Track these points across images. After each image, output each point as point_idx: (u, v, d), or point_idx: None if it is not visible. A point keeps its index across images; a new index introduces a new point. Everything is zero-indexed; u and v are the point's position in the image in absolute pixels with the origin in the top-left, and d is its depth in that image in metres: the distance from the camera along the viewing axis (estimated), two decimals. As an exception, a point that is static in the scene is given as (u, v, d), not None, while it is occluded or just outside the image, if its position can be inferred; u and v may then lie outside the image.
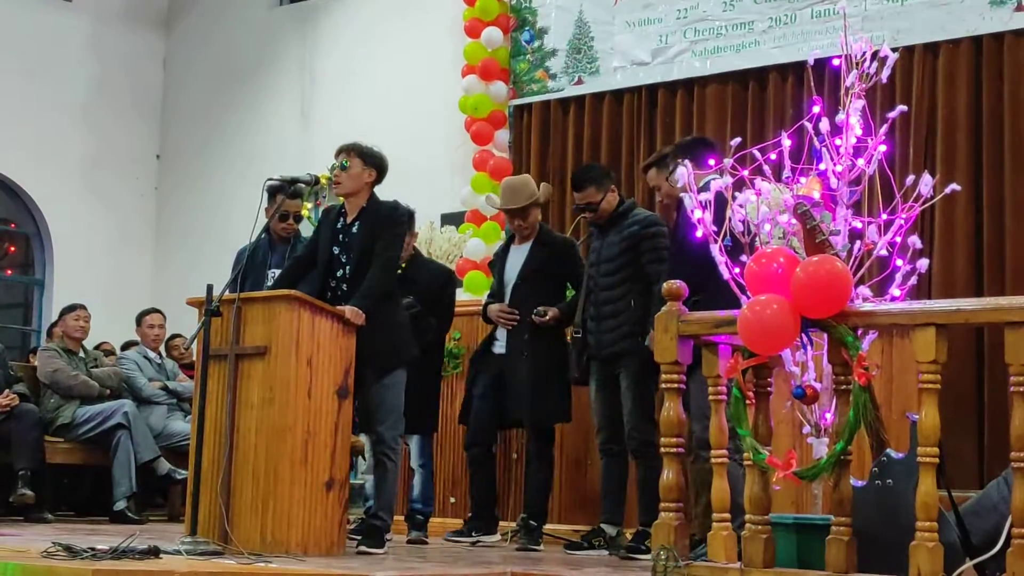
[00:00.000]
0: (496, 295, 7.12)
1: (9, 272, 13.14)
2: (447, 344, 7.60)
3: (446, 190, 10.55)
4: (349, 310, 5.78)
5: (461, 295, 8.83)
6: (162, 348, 9.64)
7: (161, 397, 9.09)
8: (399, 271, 6.78)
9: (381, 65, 11.57)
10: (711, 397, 4.38)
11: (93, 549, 4.68)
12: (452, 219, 10.45)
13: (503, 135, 10.58)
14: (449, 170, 10.74)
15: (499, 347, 6.98)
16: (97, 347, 10.02)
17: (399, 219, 6.18)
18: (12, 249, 13.06)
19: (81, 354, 8.97)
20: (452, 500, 8.00)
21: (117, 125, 12.91)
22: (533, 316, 6.85)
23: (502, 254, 7.23)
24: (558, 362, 6.88)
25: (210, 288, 5.63)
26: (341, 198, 6.25)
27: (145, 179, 13.21)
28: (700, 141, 6.34)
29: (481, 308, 7.23)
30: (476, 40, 10.59)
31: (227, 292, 5.76)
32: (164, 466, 8.52)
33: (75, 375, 8.69)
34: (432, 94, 10.96)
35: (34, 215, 12.56)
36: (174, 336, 10.04)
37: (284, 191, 6.53)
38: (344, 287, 6.06)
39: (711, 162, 5.08)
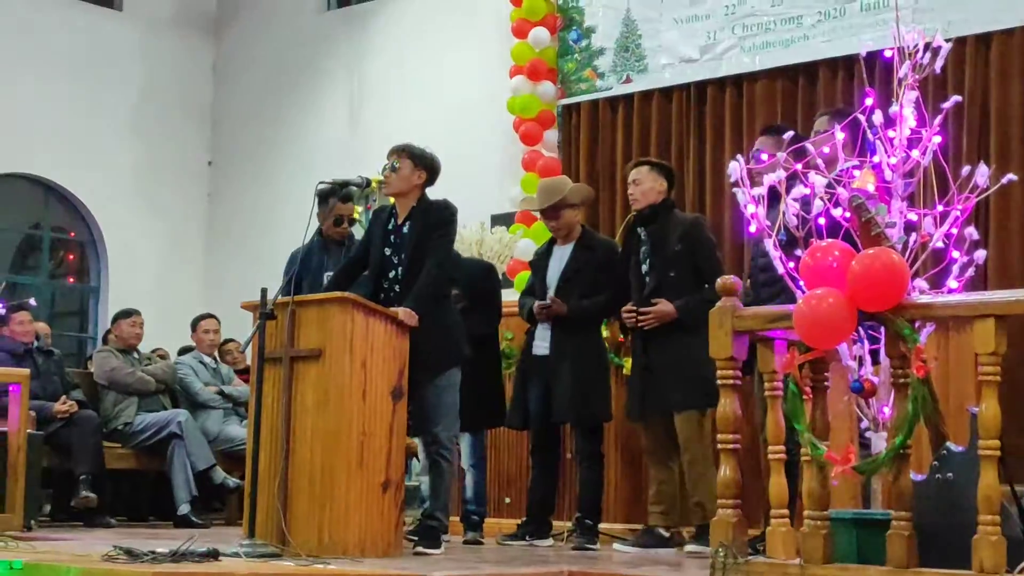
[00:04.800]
0: (537, 296, 7.12)
1: (71, 280, 13.27)
2: (501, 345, 7.62)
3: (496, 191, 10.57)
4: (402, 311, 5.80)
5: (512, 295, 8.84)
6: (216, 353, 9.71)
7: (217, 401, 9.17)
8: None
9: (429, 67, 11.61)
10: (767, 393, 4.37)
11: (153, 552, 4.71)
12: (502, 220, 10.46)
13: (552, 135, 10.58)
14: (498, 171, 10.75)
15: (540, 347, 6.99)
16: (153, 352, 10.11)
17: (449, 217, 6.19)
18: (71, 257, 13.20)
19: (135, 355, 9.07)
20: (507, 500, 8.01)
21: (168, 132, 13.03)
22: (536, 304, 6.92)
23: (544, 254, 7.24)
24: (599, 360, 6.96)
25: (264, 291, 5.67)
26: (391, 199, 6.28)
27: (197, 185, 13.32)
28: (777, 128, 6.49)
29: (519, 306, 7.25)
30: (523, 40, 10.60)
31: (281, 295, 5.80)
32: (219, 475, 8.60)
33: (131, 371, 8.81)
34: (480, 95, 10.99)
35: (88, 223, 12.71)
36: (228, 341, 10.11)
37: (336, 194, 6.56)
38: (397, 288, 6.09)
39: (764, 156, 5.06)
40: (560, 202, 7.00)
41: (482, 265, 7.68)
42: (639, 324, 6.69)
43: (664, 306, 6.62)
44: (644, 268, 6.76)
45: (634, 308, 6.72)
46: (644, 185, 6.83)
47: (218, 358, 9.67)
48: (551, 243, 7.25)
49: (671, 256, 6.67)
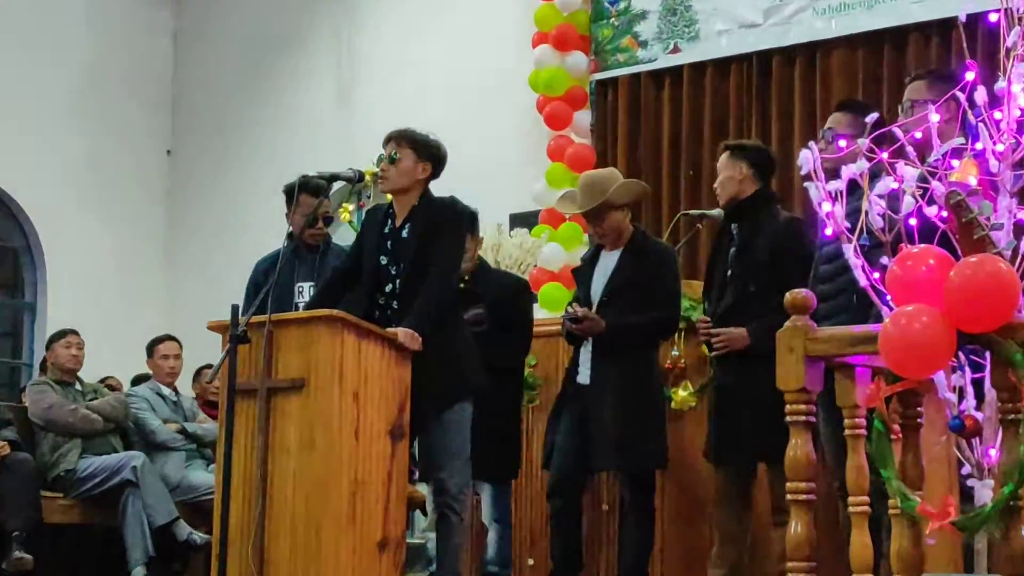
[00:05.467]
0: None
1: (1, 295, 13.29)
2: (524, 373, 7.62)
3: (515, 186, 10.56)
4: (402, 332, 5.81)
5: (537, 312, 8.84)
6: (179, 383, 9.72)
7: (179, 442, 9.18)
8: (461, 285, 6.81)
9: (434, 36, 11.63)
10: (847, 432, 4.35)
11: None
12: (523, 220, 10.45)
13: (584, 116, 10.59)
14: (519, 161, 10.75)
15: (583, 375, 6.96)
16: (101, 382, 10.11)
17: (458, 218, 6.22)
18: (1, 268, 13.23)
19: (77, 386, 9.08)
20: (531, 562, 8.01)
21: (119, 116, 13.08)
22: (564, 315, 6.89)
23: (589, 261, 7.22)
24: (649, 391, 6.89)
25: (236, 309, 5.68)
26: (388, 196, 6.28)
27: (154, 180, 13.37)
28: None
29: (561, 325, 7.22)
30: (549, 2, 10.62)
31: (256, 313, 5.79)
32: (183, 530, 8.59)
33: (73, 409, 8.81)
34: (496, 69, 11.01)
35: (23, 226, 12.72)
36: (202, 369, 10.12)
37: (309, 189, 6.59)
38: (395, 304, 6.12)
39: (842, 143, 5.05)
40: (604, 205, 6.96)
41: (513, 281, 7.66)
42: (711, 346, 6.71)
43: (735, 330, 6.60)
44: (728, 275, 6.78)
45: (708, 322, 6.73)
46: (721, 175, 6.87)
47: (179, 389, 9.68)
48: (598, 248, 7.25)
49: (756, 265, 6.65)
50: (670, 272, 7.01)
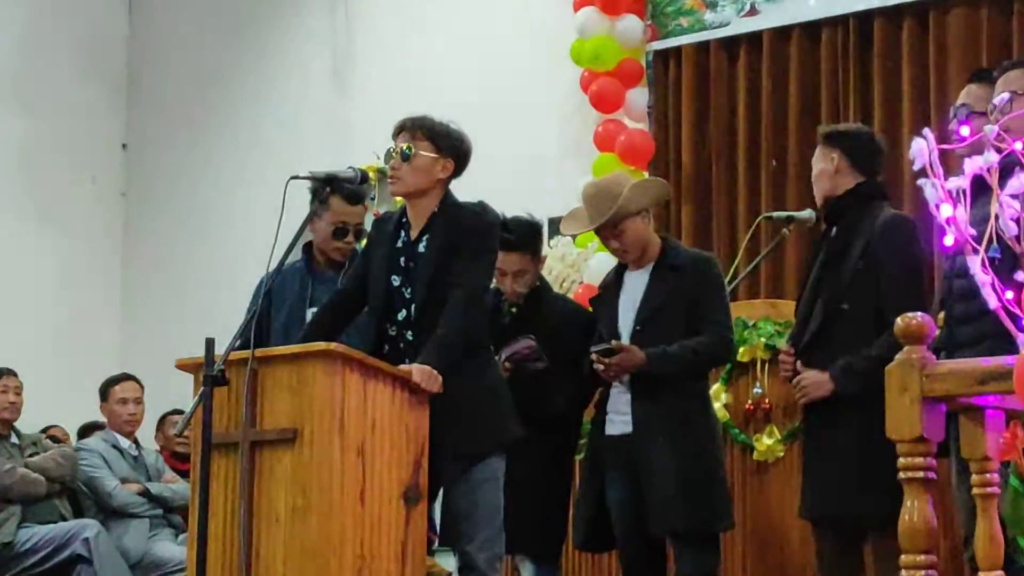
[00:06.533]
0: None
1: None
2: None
3: (555, 184, 10.56)
4: (418, 370, 5.81)
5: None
6: (140, 433, 9.74)
7: (141, 506, 9.20)
8: (511, 313, 6.82)
9: (451, 1, 11.64)
10: (976, 490, 4.33)
11: None
12: (567, 227, 10.47)
13: (639, 96, 10.63)
14: (559, 153, 10.80)
15: (618, 425, 6.94)
16: (44, 432, 10.14)
17: (488, 228, 6.21)
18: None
19: (14, 439, 9.11)
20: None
21: (65, 105, 13.10)
22: (593, 353, 6.84)
23: (611, 287, 7.20)
24: (708, 436, 6.91)
25: (210, 343, 5.67)
26: (399, 201, 6.28)
27: (106, 180, 13.40)
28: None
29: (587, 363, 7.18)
30: (594, -45, 10.66)
31: (235, 348, 5.79)
32: (147, 615, 8.65)
33: (9, 469, 8.83)
34: (531, 39, 11.06)
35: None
36: (168, 415, 10.14)
37: (339, 190, 6.56)
38: (409, 335, 6.14)
39: (964, 130, 5.02)
40: (618, 213, 6.94)
41: (580, 313, 7.63)
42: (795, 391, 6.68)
43: (815, 375, 6.53)
44: (815, 291, 6.73)
45: (791, 353, 6.70)
46: (815, 168, 6.84)
47: (140, 441, 9.70)
48: (620, 269, 7.22)
49: (847, 277, 6.61)
50: (714, 285, 7.00)
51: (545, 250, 10.06)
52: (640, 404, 6.85)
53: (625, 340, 6.88)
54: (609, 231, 7.00)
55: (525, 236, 7.27)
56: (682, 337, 6.83)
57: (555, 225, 10.46)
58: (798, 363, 6.63)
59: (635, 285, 7.05)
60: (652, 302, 6.94)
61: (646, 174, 9.91)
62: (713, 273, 7.04)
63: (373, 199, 10.99)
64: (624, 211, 6.92)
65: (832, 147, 6.80)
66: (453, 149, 6.19)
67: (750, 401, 7.53)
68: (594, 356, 6.85)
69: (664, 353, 6.78)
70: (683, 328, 6.86)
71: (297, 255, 6.95)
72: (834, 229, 6.79)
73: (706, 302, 6.90)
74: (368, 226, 6.93)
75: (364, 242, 6.79)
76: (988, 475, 4.31)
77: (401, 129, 6.21)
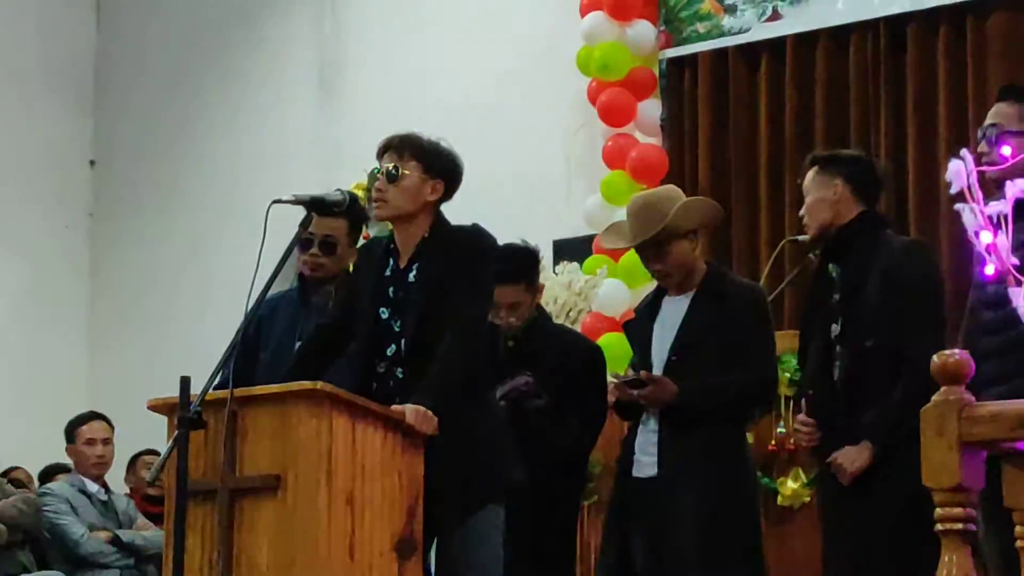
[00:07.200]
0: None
1: None
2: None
3: (560, 204, 10.62)
4: (411, 410, 5.80)
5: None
6: (109, 476, 9.74)
7: (111, 556, 9.20)
8: (510, 345, 6.81)
9: (447, 5, 11.65)
10: (1020, 542, 4.32)
11: None
12: (571, 250, 10.50)
13: (652, 108, 10.65)
14: (565, 170, 10.83)
15: (644, 467, 6.90)
16: (4, 476, 10.14)
17: (484, 254, 6.20)
18: None
19: (-31, 483, 9.12)
20: None
21: (27, 116, 13.13)
22: (618, 379, 6.81)
23: (648, 312, 7.18)
24: (738, 482, 6.86)
25: (186, 382, 5.65)
26: (387, 226, 6.27)
27: (72, 200, 13.40)
28: None
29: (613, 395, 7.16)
30: (603, -45, 10.69)
31: (213, 387, 5.78)
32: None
33: (-33, 516, 8.84)
34: (534, 45, 11.08)
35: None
36: (139, 456, 10.13)
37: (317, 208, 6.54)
38: (399, 372, 6.13)
39: (1006, 150, 5.02)
40: (666, 231, 6.93)
41: (583, 345, 7.63)
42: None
43: (850, 451, 6.44)
44: (833, 332, 6.71)
45: (809, 424, 6.67)
46: (809, 197, 6.83)
47: (109, 485, 9.70)
48: (658, 292, 7.21)
49: (868, 312, 6.58)
50: (761, 319, 6.99)
51: (549, 277, 10.11)
52: (668, 445, 6.82)
53: (657, 371, 6.85)
54: (652, 250, 6.97)
55: (519, 266, 7.26)
56: (719, 373, 6.81)
57: (561, 249, 10.51)
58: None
59: (673, 312, 7.02)
60: (690, 331, 6.92)
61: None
62: (760, 305, 7.04)
63: (367, 224, 11.02)
64: (673, 230, 6.90)
65: (833, 174, 6.80)
66: (443, 169, 6.18)
67: (773, 441, 7.54)
68: (616, 386, 6.84)
69: (699, 387, 6.76)
70: (722, 363, 6.83)
71: (287, 283, 6.94)
72: (834, 266, 6.76)
73: (750, 336, 6.89)
74: (340, 239, 6.90)
75: (347, 262, 6.77)
76: (1034, 528, 4.30)
77: (387, 148, 6.20)
